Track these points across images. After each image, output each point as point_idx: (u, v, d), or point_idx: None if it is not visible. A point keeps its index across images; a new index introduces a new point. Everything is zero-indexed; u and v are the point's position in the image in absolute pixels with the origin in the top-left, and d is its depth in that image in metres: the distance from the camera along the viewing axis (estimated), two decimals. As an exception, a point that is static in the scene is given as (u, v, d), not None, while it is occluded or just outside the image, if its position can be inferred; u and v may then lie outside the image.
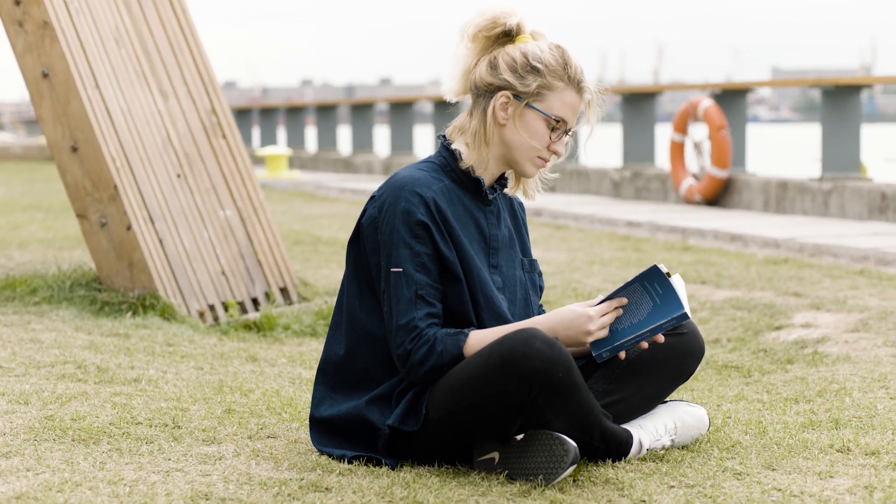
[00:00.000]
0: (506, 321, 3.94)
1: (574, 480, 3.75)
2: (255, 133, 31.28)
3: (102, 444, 4.08)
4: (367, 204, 3.97)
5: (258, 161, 25.19)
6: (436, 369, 3.83)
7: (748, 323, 6.82)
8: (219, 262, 7.34)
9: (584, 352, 4.06)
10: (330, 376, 4.03)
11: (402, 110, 23.97)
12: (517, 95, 3.93)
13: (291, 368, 5.73)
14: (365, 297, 3.97)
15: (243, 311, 7.37)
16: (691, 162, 15.60)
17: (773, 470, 3.88)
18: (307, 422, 4.37)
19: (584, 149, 4.08)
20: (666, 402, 4.16)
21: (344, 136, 30.19)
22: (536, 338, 3.70)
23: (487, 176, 4.02)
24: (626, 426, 3.99)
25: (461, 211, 3.95)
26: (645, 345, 3.94)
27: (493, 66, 3.95)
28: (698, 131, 15.58)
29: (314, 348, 6.34)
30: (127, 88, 7.18)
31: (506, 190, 4.08)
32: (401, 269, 3.84)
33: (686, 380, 4.16)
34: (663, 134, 16.84)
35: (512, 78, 3.93)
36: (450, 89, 4.05)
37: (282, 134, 30.84)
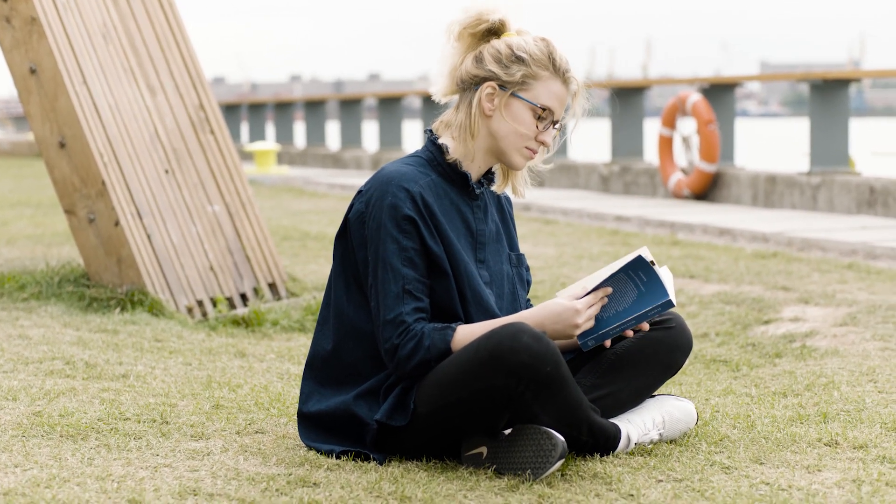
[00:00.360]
0: (493, 316, 3.94)
1: (562, 475, 3.75)
2: (244, 128, 31.25)
3: (90, 439, 4.07)
4: (354, 199, 3.96)
5: (247, 156, 25.15)
6: (423, 364, 3.82)
7: (736, 317, 6.83)
8: (207, 258, 7.33)
9: (571, 345, 4.06)
10: (318, 371, 4.03)
11: (390, 106, 23.96)
12: (503, 85, 3.93)
13: (280, 364, 5.72)
14: (352, 292, 3.97)
15: (231, 306, 7.37)
16: (680, 156, 15.61)
17: (762, 464, 3.89)
18: (295, 417, 4.36)
19: (571, 139, 4.09)
20: (654, 396, 4.17)
21: (332, 131, 30.20)
22: (524, 332, 3.70)
23: (474, 170, 4.02)
24: (614, 420, 3.99)
25: (448, 205, 3.95)
26: (630, 333, 3.95)
27: (479, 60, 3.96)
28: (687, 126, 15.60)
29: (302, 344, 6.33)
30: (114, 84, 7.17)
31: (494, 188, 4.07)
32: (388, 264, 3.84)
33: (674, 374, 4.16)
34: (652, 128, 16.85)
35: (497, 68, 3.93)
36: (438, 90, 4.05)
37: (270, 129, 30.81)
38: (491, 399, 3.75)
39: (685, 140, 15.56)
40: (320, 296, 7.49)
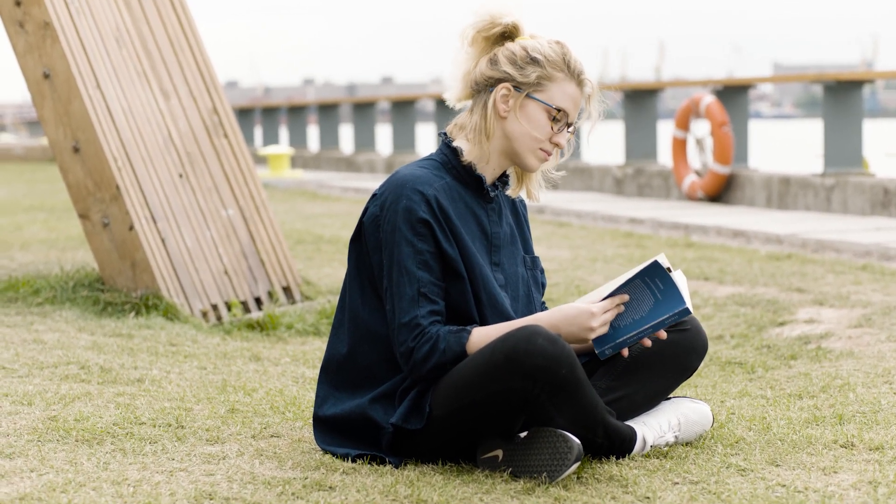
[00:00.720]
0: (508, 318, 3.94)
1: (578, 477, 3.75)
2: (258, 132, 31.29)
3: (106, 444, 4.08)
4: (368, 202, 3.96)
5: (260, 160, 25.18)
6: (439, 367, 3.82)
7: (751, 319, 6.82)
8: (221, 262, 7.34)
9: (587, 349, 4.06)
10: (333, 375, 4.03)
11: (404, 109, 23.97)
12: (517, 87, 3.94)
13: (295, 367, 5.72)
14: (367, 296, 3.97)
15: (246, 310, 7.37)
16: (694, 158, 15.59)
17: (777, 466, 3.88)
18: (311, 421, 4.36)
19: (587, 141, 4.08)
20: (669, 398, 4.16)
21: (346, 134, 30.18)
22: (539, 335, 3.70)
23: (489, 173, 4.02)
24: (629, 423, 3.98)
25: (463, 208, 3.95)
26: (648, 342, 3.93)
27: (493, 62, 3.96)
28: (700, 128, 15.58)
29: (317, 347, 6.33)
30: (128, 88, 7.18)
31: (508, 192, 4.07)
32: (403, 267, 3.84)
33: (689, 376, 4.16)
34: (665, 131, 16.83)
35: (512, 70, 3.93)
36: (452, 94, 4.05)
37: (284, 133, 30.84)
38: (507, 402, 3.74)
39: (699, 142, 15.54)
40: (335, 299, 7.49)
